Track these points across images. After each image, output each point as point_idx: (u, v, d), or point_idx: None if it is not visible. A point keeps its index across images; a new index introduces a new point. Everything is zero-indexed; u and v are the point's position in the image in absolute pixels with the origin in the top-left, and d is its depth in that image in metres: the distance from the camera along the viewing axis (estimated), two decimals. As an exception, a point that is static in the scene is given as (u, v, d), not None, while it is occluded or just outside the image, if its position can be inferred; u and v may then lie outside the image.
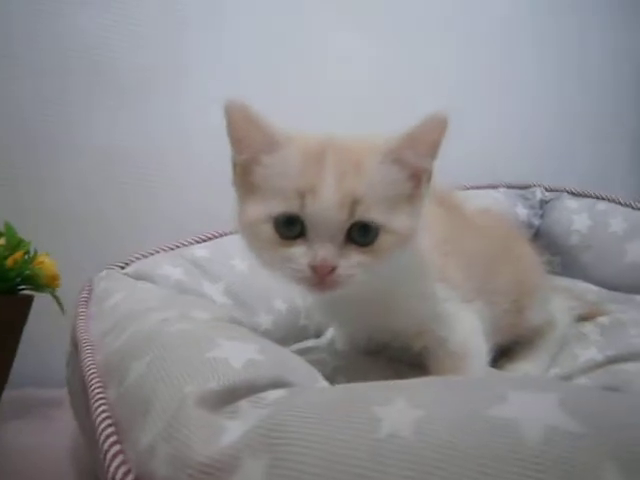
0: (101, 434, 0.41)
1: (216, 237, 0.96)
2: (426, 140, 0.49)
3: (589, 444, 0.27)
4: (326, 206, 0.47)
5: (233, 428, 0.35)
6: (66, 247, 0.96)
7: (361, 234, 0.48)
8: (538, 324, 0.75)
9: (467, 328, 0.60)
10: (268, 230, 0.50)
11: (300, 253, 0.48)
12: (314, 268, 0.47)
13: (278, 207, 0.49)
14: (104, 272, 0.79)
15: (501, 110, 1.48)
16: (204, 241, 0.94)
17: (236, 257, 0.89)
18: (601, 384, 0.73)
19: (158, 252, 0.88)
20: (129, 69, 1.09)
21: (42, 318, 0.83)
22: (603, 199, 1.27)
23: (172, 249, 0.90)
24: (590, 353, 0.79)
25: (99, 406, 0.44)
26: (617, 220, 1.21)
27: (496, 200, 1.24)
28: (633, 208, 1.24)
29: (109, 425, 0.41)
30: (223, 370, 0.40)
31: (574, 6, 1.57)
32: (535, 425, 0.29)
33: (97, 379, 0.49)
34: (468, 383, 0.35)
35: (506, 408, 0.30)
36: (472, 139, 1.37)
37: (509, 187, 1.29)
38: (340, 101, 1.23)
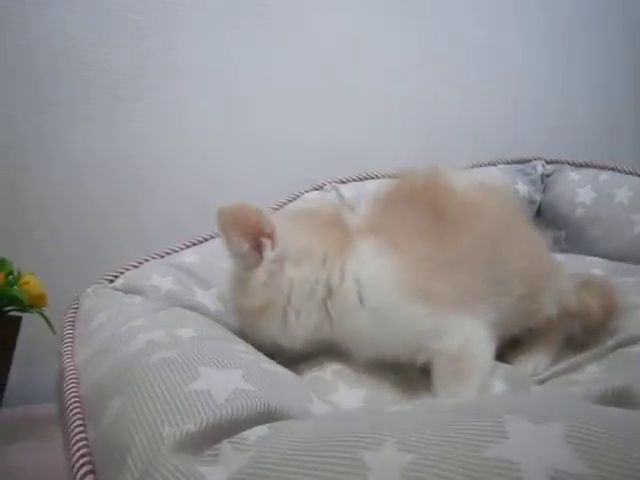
0: (79, 481, 0.38)
1: (206, 240, 0.93)
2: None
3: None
4: None
5: (213, 476, 0.32)
6: (52, 264, 0.93)
7: None
8: (552, 313, 0.71)
9: (466, 331, 0.59)
10: None
11: None
12: None
13: None
14: (91, 288, 0.76)
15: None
16: (194, 245, 0.91)
17: (224, 260, 0.85)
18: (612, 369, 0.70)
19: (148, 260, 0.85)
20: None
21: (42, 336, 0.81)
22: (607, 169, 1.22)
23: (162, 256, 0.88)
24: (600, 338, 0.76)
25: (79, 448, 0.41)
26: (622, 190, 1.17)
27: (495, 178, 1.20)
28: (638, 175, 1.20)
29: (88, 472, 0.39)
30: (203, 407, 0.38)
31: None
32: (539, 470, 0.26)
33: (78, 415, 0.46)
34: (461, 411, 0.32)
35: (506, 447, 0.27)
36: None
37: (508, 163, 1.24)
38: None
